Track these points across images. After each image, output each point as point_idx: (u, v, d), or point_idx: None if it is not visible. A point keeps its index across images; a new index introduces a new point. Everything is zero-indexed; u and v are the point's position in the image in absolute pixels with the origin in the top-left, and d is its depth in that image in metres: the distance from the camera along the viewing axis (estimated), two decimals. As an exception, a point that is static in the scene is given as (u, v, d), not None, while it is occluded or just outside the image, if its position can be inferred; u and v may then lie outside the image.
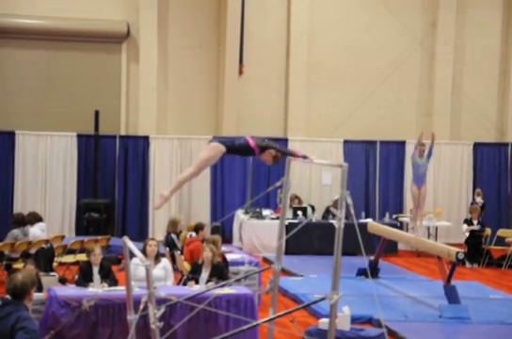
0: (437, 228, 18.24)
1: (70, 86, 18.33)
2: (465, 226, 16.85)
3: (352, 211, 5.47)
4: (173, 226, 12.95)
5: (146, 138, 18.45)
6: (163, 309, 5.12)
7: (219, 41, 18.91)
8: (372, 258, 13.92)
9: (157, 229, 18.07)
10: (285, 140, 19.08)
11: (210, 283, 9.92)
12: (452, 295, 11.57)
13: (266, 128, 19.09)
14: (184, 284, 10.25)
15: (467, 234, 16.74)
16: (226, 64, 18.61)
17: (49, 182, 17.98)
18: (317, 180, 19.09)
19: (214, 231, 15.04)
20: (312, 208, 17.99)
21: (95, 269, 10.13)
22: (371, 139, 19.41)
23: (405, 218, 18.34)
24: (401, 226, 17.75)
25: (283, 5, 19.25)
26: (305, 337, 9.23)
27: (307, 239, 16.39)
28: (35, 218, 13.57)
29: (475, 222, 16.84)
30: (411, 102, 20.06)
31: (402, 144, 19.52)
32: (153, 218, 18.34)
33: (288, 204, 16.01)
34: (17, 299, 5.61)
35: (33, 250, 12.89)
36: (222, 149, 6.99)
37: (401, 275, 14.74)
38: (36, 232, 13.32)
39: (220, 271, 10.37)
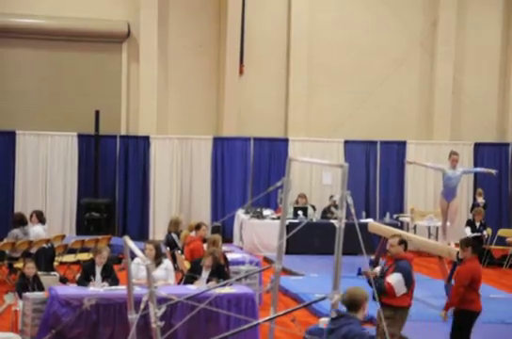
0: (437, 228, 18.22)
1: (70, 85, 18.31)
2: (468, 231, 16.77)
3: (353, 211, 5.47)
4: (175, 226, 12.97)
5: (146, 138, 18.44)
6: (164, 308, 5.12)
7: (220, 41, 18.90)
8: (372, 257, 13.91)
9: (158, 228, 18.08)
10: (286, 140, 19.08)
11: (211, 283, 9.92)
12: (453, 294, 11.55)
13: (267, 128, 19.08)
14: (185, 284, 10.25)
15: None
16: (226, 64, 18.60)
17: (49, 181, 17.97)
18: (318, 180, 19.07)
19: (214, 230, 15.04)
20: (313, 208, 17.98)
21: (98, 269, 10.12)
22: (371, 139, 19.39)
23: (405, 218, 18.34)
24: (401, 226, 17.75)
25: (284, 4, 19.23)
26: (306, 336, 9.22)
27: (308, 239, 16.35)
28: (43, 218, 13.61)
29: (478, 224, 16.80)
30: (412, 102, 20.03)
31: (402, 144, 19.51)
32: (154, 218, 18.35)
33: (288, 204, 16.03)
34: (351, 311, 5.89)
35: (34, 250, 12.90)
36: None
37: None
38: (39, 231, 13.32)
39: (221, 271, 10.37)
